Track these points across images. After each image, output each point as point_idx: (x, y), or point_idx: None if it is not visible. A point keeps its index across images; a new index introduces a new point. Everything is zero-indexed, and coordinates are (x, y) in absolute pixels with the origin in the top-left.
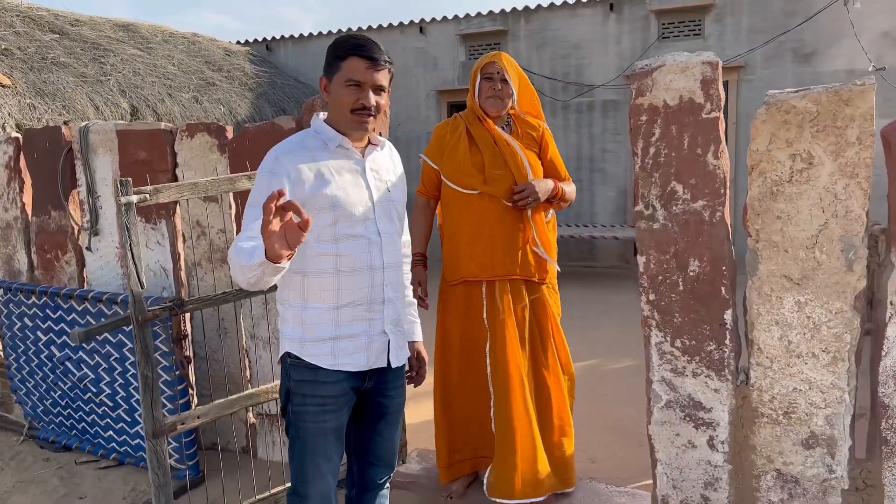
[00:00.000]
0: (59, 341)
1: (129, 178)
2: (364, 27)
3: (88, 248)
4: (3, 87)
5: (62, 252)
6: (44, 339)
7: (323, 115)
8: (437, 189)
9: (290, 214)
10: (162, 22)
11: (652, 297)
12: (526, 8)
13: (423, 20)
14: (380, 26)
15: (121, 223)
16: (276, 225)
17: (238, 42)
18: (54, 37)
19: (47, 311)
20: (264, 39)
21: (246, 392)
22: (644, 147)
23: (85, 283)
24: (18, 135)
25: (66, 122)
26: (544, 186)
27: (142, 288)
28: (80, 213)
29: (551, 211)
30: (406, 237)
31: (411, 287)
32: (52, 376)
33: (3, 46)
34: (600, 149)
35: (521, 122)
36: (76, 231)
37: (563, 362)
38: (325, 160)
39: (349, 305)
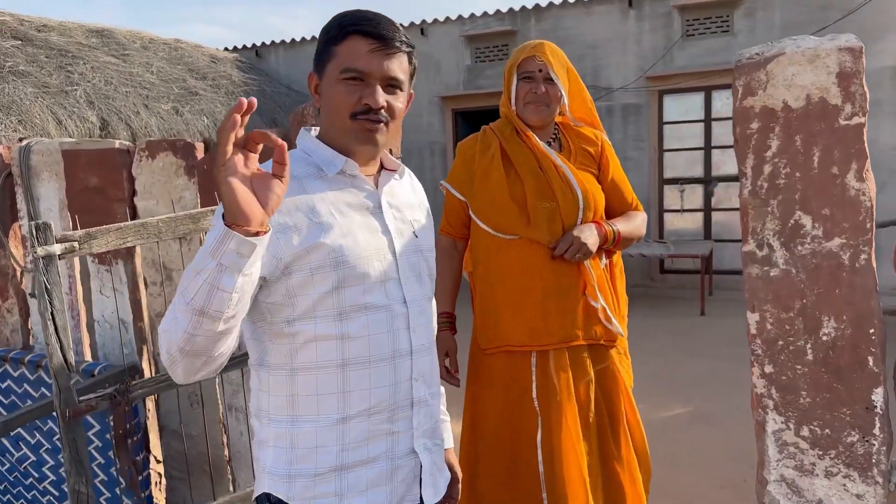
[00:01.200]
0: None
1: (49, 222)
2: None
3: (33, 295)
4: None
5: (2, 299)
6: None
7: (315, 130)
8: (465, 227)
9: (255, 161)
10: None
11: (768, 368)
12: (536, 6)
13: (424, 21)
14: None
15: (38, 283)
16: (236, 161)
17: (226, 49)
18: (16, 43)
19: None
20: (253, 45)
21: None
22: (756, 165)
23: (30, 338)
24: None
25: (20, 139)
26: (591, 235)
27: (69, 371)
28: (22, 252)
29: (604, 259)
30: (434, 303)
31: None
32: None
33: None
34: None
35: (572, 133)
36: (18, 273)
37: (639, 450)
38: (320, 193)
39: (362, 416)
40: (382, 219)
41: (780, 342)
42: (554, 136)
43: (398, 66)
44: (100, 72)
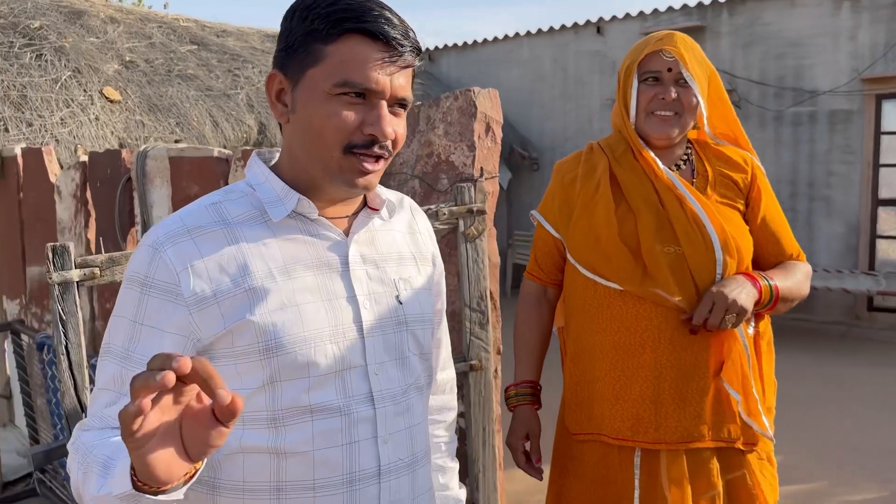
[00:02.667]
0: None
1: (67, 245)
2: (533, 30)
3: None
4: (112, 102)
5: None
6: None
7: (270, 155)
8: (559, 270)
9: (191, 393)
10: None
11: None
12: None
13: (601, 19)
14: (551, 29)
15: (53, 313)
16: (154, 420)
17: None
18: (192, 48)
19: None
20: (427, 50)
21: None
22: None
23: None
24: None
25: (176, 141)
26: (743, 290)
27: (83, 413)
28: None
29: (752, 326)
30: (445, 375)
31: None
32: None
33: (127, 58)
34: (824, 171)
35: (711, 155)
36: None
37: None
38: (258, 245)
39: None
40: (349, 279)
41: None
42: (685, 158)
43: (407, 82)
44: (266, 75)
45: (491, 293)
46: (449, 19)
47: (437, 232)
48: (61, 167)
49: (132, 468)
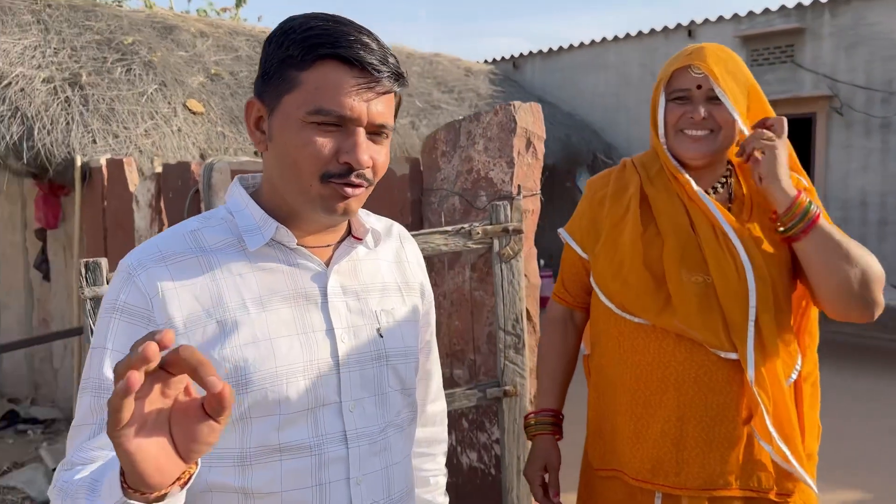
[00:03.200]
0: None
1: (100, 261)
2: (621, 35)
3: None
4: (195, 113)
5: None
6: None
7: (254, 180)
8: (586, 293)
9: (179, 385)
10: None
11: None
12: None
13: (692, 22)
14: (639, 33)
15: (85, 329)
16: (141, 411)
17: (485, 61)
18: None
19: None
20: (511, 57)
21: None
22: None
23: None
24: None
25: (255, 153)
26: (785, 167)
27: None
28: None
29: (797, 368)
30: (435, 407)
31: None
32: None
33: (213, 71)
34: None
35: (751, 177)
36: None
37: None
38: (233, 276)
39: None
40: (326, 311)
41: None
42: (722, 181)
43: (387, 108)
44: None
45: (529, 315)
46: (540, 23)
47: (471, 252)
48: (142, 177)
49: (122, 475)
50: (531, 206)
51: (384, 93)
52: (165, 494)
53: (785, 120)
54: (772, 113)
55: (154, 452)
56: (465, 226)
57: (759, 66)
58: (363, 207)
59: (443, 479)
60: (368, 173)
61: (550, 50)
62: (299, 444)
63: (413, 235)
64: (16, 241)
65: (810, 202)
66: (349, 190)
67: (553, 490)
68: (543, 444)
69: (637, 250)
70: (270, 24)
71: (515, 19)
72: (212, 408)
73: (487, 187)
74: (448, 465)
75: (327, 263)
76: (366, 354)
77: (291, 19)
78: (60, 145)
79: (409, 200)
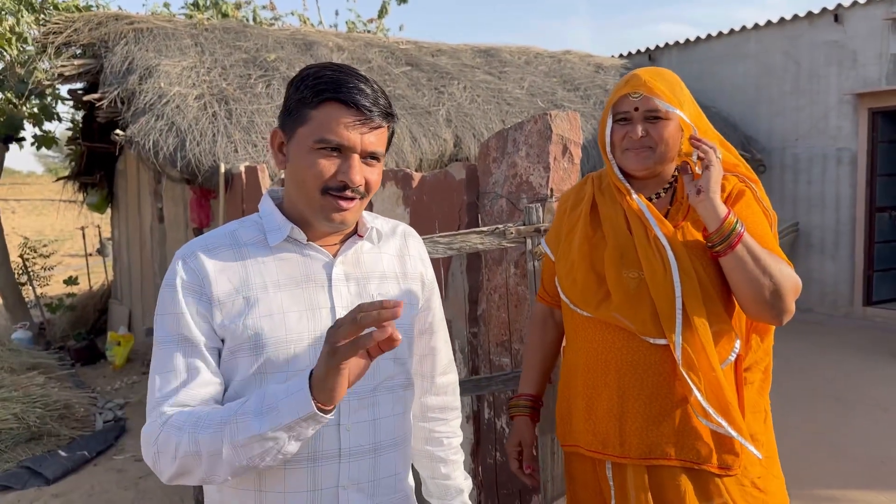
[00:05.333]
0: None
1: None
2: (762, 22)
3: None
4: None
5: None
6: None
7: (279, 192)
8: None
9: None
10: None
11: None
12: None
13: (839, 6)
14: (781, 19)
15: None
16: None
17: (620, 55)
18: (406, 69)
19: None
20: (647, 49)
21: None
22: None
23: None
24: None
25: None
26: (716, 185)
27: None
28: None
29: (735, 351)
30: (446, 379)
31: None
32: None
33: None
34: None
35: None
36: None
37: None
38: (258, 263)
39: None
40: (331, 294)
41: None
42: (667, 187)
43: (378, 139)
44: (470, 90)
45: None
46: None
47: (507, 250)
48: (272, 181)
49: (308, 389)
50: None
51: (376, 127)
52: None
53: (717, 146)
54: (714, 132)
55: (346, 381)
56: (500, 226)
57: None
58: (381, 214)
59: (456, 440)
60: (361, 189)
61: (688, 41)
62: None
63: (452, 235)
64: (179, 239)
65: (737, 221)
66: (344, 203)
67: (526, 463)
68: (520, 424)
69: (584, 252)
70: (411, 33)
71: (675, 5)
72: (385, 346)
73: (528, 190)
74: (500, 445)
75: (334, 256)
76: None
77: (308, 68)
78: (207, 154)
79: (465, 203)
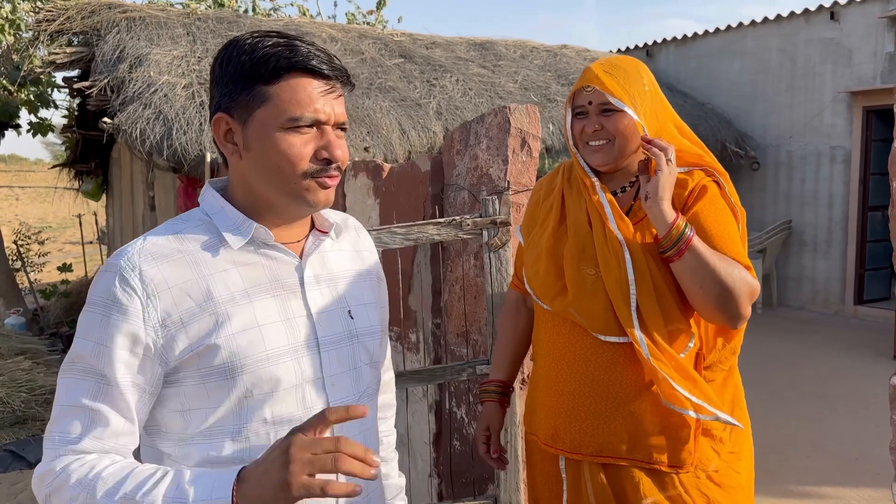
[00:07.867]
0: None
1: None
2: (758, 19)
3: None
4: None
5: None
6: None
7: (222, 183)
8: None
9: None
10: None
11: None
12: None
13: (835, 3)
14: (778, 16)
15: None
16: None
17: (618, 50)
18: (398, 61)
19: None
20: (645, 45)
21: None
22: None
23: None
24: None
25: (365, 148)
26: (669, 191)
27: None
28: None
29: (690, 345)
30: (387, 376)
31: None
32: None
33: None
34: None
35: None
36: None
37: None
38: (219, 271)
39: None
40: (305, 298)
41: None
42: (632, 182)
43: (343, 106)
44: (462, 83)
45: None
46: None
47: (463, 242)
48: None
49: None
50: (525, 200)
51: (340, 94)
52: None
53: (673, 148)
54: (667, 109)
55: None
56: (456, 218)
57: None
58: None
59: (393, 438)
60: (342, 165)
61: (685, 36)
62: (289, 416)
63: (409, 226)
64: None
65: (686, 226)
66: (329, 181)
67: (493, 447)
68: (488, 409)
69: (549, 245)
70: (408, 26)
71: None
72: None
73: (488, 183)
74: (458, 434)
75: (300, 255)
76: (340, 334)
77: (235, 40)
78: (194, 143)
79: (429, 194)
